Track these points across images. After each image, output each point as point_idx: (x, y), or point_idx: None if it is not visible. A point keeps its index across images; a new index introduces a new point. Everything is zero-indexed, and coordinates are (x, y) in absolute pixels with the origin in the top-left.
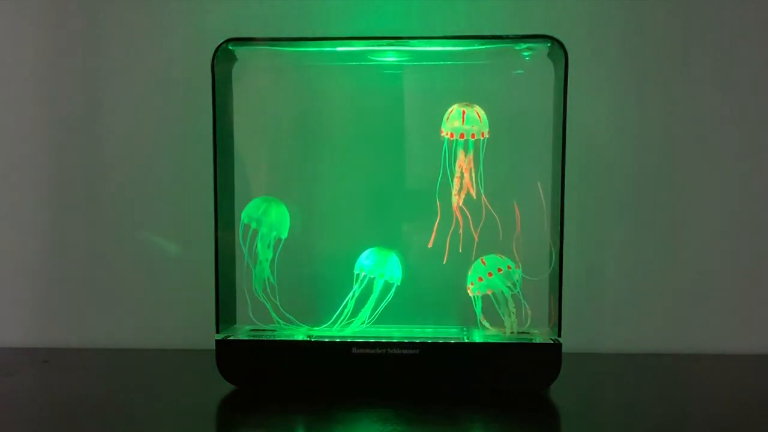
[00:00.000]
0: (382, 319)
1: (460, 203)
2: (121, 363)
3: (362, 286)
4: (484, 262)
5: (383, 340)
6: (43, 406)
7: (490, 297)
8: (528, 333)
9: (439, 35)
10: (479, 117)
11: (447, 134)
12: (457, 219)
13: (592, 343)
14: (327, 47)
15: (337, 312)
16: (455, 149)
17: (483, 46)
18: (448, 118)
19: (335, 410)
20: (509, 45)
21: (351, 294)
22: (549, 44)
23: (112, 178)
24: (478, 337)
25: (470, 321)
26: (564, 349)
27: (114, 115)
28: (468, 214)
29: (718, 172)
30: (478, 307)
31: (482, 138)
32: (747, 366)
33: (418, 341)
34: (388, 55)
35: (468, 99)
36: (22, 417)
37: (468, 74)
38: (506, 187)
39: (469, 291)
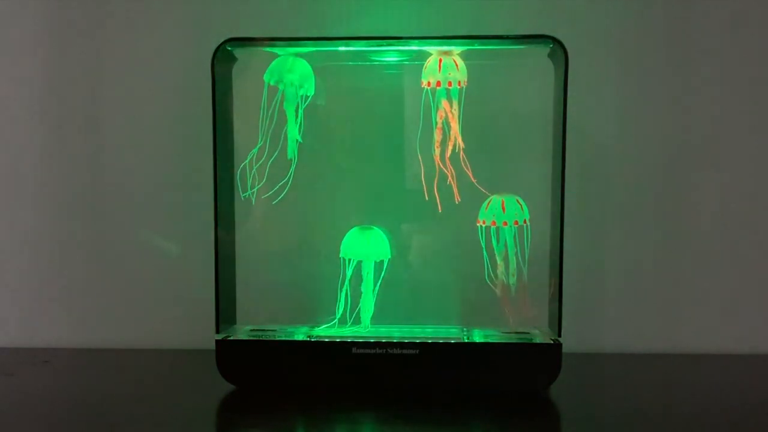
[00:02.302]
0: (382, 317)
1: (448, 155)
2: (121, 363)
3: (352, 271)
4: (504, 208)
5: (383, 340)
6: (43, 406)
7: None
8: (528, 333)
9: (440, 35)
10: (456, 64)
11: (425, 84)
12: (450, 170)
13: (592, 343)
14: (327, 47)
15: (339, 304)
16: (438, 99)
17: (483, 46)
18: (425, 68)
19: (335, 410)
20: (509, 45)
21: (344, 282)
22: (550, 44)
23: (112, 178)
24: (478, 337)
25: (470, 321)
26: (564, 349)
27: (114, 115)
28: (450, 168)
29: (719, 171)
30: (482, 240)
31: (459, 87)
32: (747, 366)
33: (418, 341)
34: (389, 55)
35: (468, 98)
36: (22, 417)
37: (468, 74)
38: (507, 186)
39: (477, 222)
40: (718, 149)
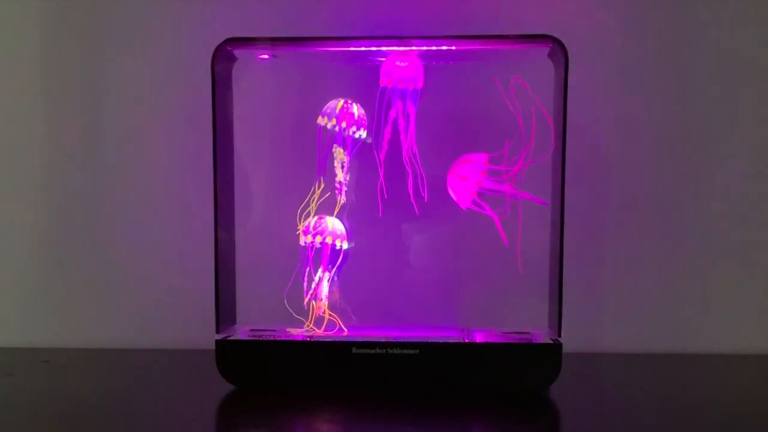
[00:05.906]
0: (381, 318)
1: (416, 150)
2: (121, 363)
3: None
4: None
5: (383, 340)
6: (43, 406)
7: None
8: (528, 333)
9: (440, 35)
10: (408, 66)
11: (386, 84)
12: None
13: (592, 343)
14: (327, 47)
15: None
16: (393, 99)
17: (483, 46)
18: (381, 69)
19: (335, 410)
20: (509, 45)
21: (304, 269)
22: (550, 44)
23: (113, 178)
24: (478, 337)
25: (470, 321)
26: (564, 349)
27: (114, 115)
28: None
29: (719, 171)
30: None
31: (410, 88)
32: (747, 366)
33: (418, 341)
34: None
35: (468, 98)
36: (22, 417)
37: (468, 74)
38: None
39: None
40: (718, 149)
